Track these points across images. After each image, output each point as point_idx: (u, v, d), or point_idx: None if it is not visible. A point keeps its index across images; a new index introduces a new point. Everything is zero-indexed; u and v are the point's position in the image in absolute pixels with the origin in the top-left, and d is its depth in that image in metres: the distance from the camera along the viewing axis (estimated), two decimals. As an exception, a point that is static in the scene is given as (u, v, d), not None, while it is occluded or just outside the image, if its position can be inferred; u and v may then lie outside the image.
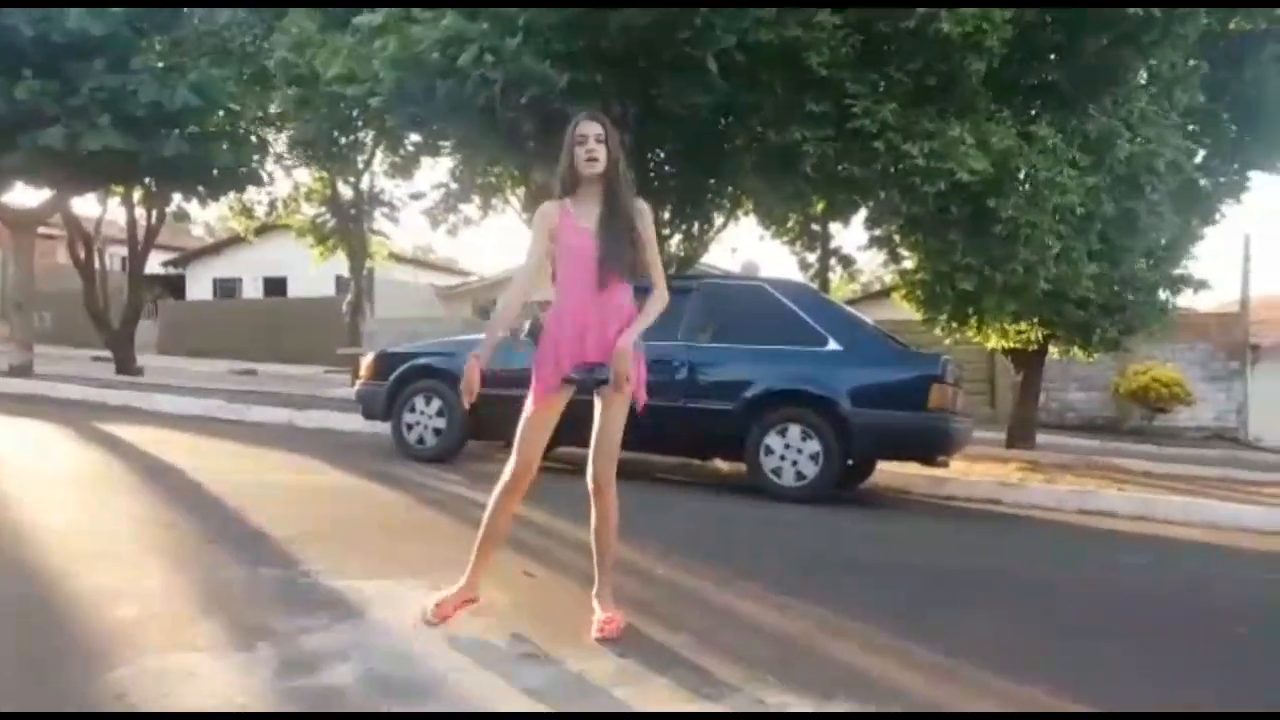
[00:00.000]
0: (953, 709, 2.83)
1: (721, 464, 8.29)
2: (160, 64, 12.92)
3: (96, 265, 16.67)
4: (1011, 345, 11.99)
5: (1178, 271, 12.05)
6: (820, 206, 11.65)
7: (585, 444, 3.30)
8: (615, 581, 3.41)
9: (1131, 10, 8.26)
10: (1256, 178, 12.86)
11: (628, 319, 3.26)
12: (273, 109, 14.45)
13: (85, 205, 17.30)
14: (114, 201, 16.86)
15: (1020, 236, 8.47)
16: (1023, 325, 11.01)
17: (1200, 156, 11.94)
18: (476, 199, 12.80)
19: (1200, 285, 12.32)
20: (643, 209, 3.32)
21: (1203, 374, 17.64)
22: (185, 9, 13.63)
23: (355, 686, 2.59)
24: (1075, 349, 11.83)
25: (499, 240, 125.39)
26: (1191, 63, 10.39)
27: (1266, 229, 52.75)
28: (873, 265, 20.87)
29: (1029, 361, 12.35)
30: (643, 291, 3.35)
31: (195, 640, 2.86)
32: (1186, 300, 13.09)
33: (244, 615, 3.13)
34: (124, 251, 17.86)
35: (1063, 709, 2.90)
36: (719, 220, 13.05)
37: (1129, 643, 3.72)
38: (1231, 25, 11.08)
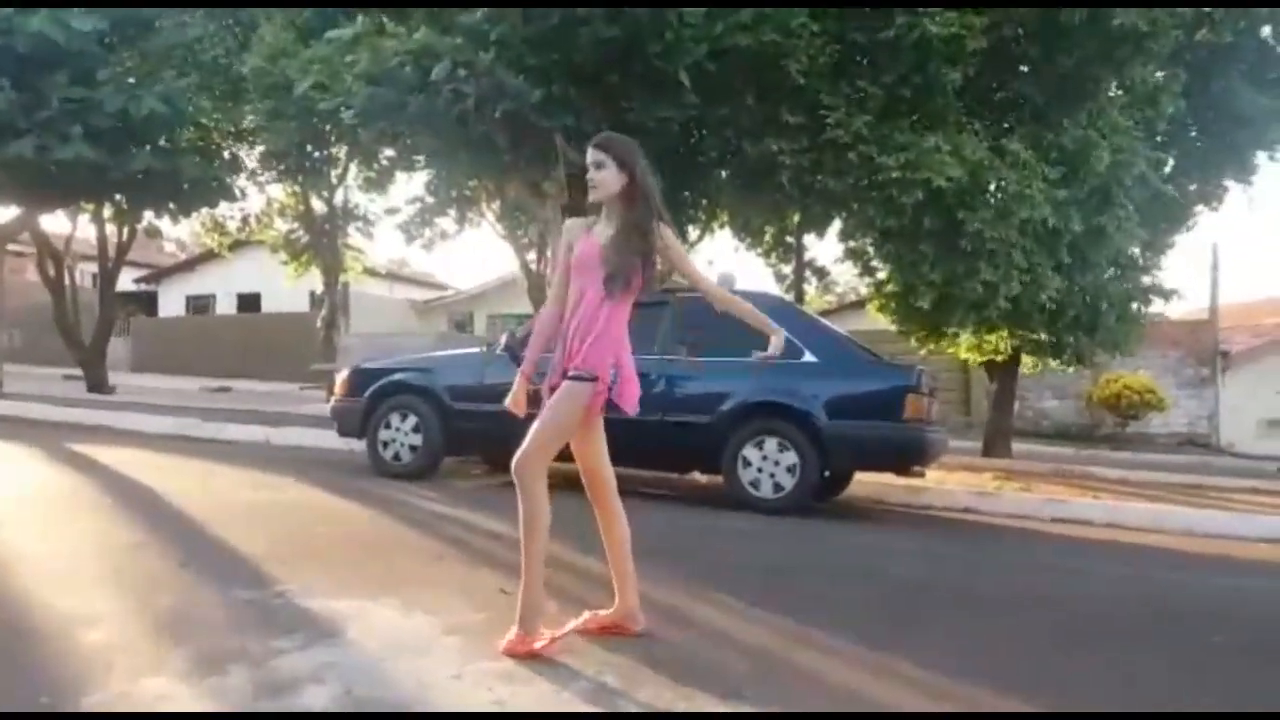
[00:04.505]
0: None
1: (700, 476, 8.27)
2: (130, 79, 12.84)
3: (67, 282, 16.50)
4: (981, 359, 12.08)
5: (1147, 280, 12.17)
6: (795, 219, 11.71)
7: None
8: (589, 596, 3.38)
9: (1115, 22, 8.34)
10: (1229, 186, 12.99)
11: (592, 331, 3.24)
12: (245, 123, 14.38)
13: (54, 222, 17.16)
14: (84, 218, 16.70)
15: (985, 252, 8.52)
16: (990, 339, 11.08)
17: (1169, 167, 12.07)
18: (452, 213, 12.78)
19: (1170, 294, 12.45)
20: (662, 230, 3.33)
21: (1175, 381, 17.85)
22: (155, 22, 13.54)
23: (332, 708, 2.56)
24: (1047, 360, 11.92)
25: (475, 254, 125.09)
26: (1161, 75, 10.50)
27: (1234, 236, 53.54)
28: (847, 277, 21.09)
29: (1003, 371, 12.44)
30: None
31: (167, 665, 2.81)
32: (1158, 309, 13.23)
33: (217, 638, 3.09)
34: (94, 268, 17.68)
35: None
36: (695, 233, 13.10)
37: (1103, 652, 3.73)
38: (1198, 37, 11.19)
